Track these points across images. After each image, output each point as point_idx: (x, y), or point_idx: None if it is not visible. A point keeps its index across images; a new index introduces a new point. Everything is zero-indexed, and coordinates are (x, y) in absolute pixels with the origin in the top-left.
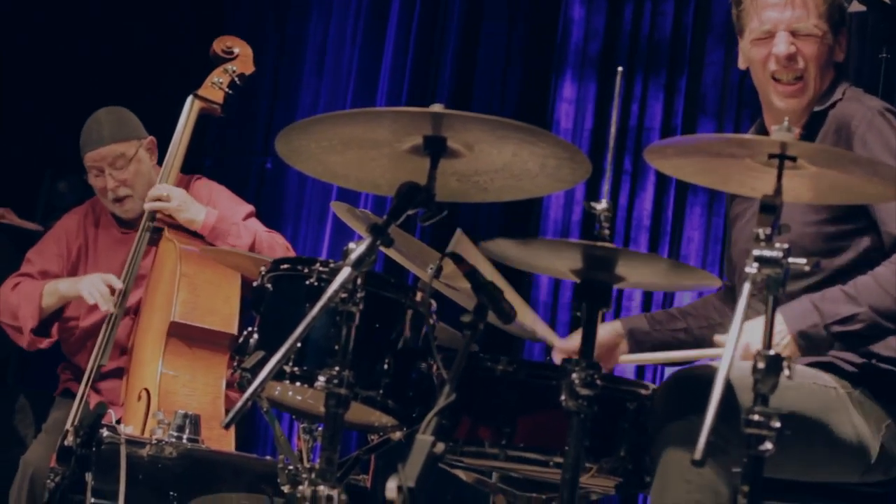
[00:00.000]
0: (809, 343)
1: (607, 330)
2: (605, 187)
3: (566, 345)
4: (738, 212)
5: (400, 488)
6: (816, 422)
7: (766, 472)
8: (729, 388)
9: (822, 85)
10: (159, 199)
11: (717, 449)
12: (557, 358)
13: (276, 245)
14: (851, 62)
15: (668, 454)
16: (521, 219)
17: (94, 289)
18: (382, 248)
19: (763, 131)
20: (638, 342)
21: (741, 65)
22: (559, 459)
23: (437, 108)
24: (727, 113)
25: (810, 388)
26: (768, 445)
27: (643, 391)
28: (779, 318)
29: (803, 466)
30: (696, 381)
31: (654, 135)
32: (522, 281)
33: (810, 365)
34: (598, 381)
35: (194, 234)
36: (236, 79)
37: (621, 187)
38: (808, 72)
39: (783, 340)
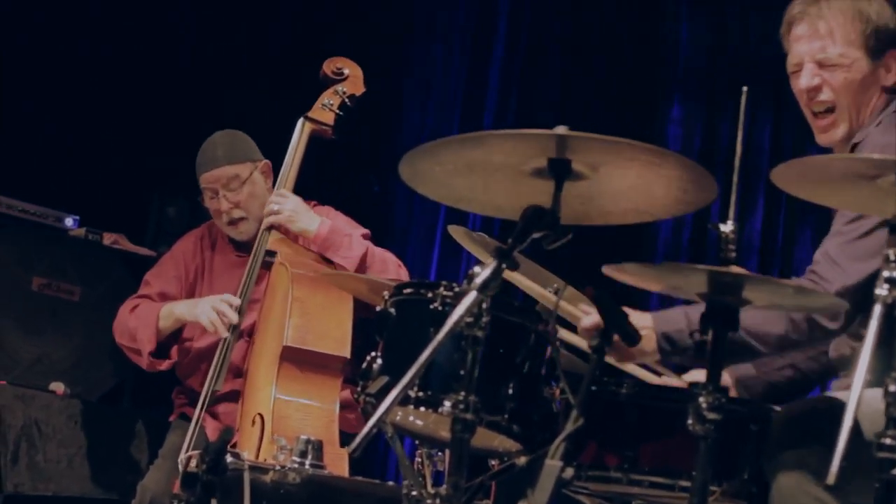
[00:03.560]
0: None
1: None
2: (730, 211)
3: (590, 323)
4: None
5: None
6: None
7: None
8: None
9: (859, 114)
10: (271, 214)
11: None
12: (586, 336)
13: (389, 261)
14: None
15: (781, 482)
16: (631, 242)
17: (211, 314)
18: (507, 273)
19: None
20: (750, 389)
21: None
22: (684, 483)
23: (561, 129)
24: None
25: None
26: None
27: (766, 412)
28: None
29: None
30: (810, 412)
31: (763, 155)
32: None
33: None
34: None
35: (308, 258)
36: (347, 100)
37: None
38: (838, 103)
39: None
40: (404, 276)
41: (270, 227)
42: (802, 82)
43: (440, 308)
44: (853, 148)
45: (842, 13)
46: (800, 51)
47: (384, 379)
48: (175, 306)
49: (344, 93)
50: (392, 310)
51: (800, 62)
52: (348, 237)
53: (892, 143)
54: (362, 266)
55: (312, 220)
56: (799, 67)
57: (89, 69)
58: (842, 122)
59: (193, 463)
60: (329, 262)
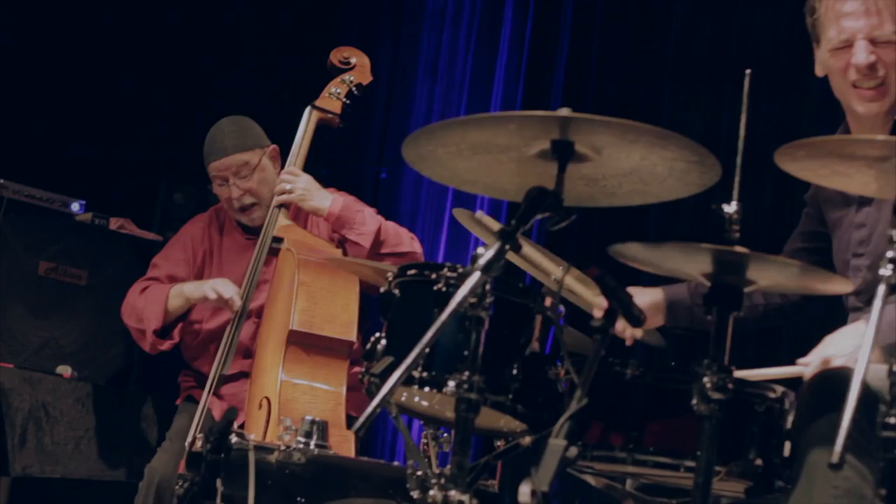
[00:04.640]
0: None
1: (648, 299)
2: (734, 192)
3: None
4: (835, 218)
5: (533, 493)
6: None
7: None
8: (870, 390)
9: None
10: (283, 192)
11: (862, 451)
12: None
13: (402, 233)
14: None
15: (812, 457)
16: (636, 225)
17: (218, 286)
18: (510, 254)
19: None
20: (675, 316)
21: (818, 72)
22: (690, 463)
23: (564, 111)
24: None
25: None
26: None
27: (772, 393)
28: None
29: None
30: (838, 381)
31: (768, 140)
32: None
33: None
34: (730, 385)
35: (314, 243)
36: (354, 89)
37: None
38: (888, 77)
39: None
40: (418, 248)
41: (281, 206)
42: (860, 58)
43: (444, 289)
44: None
45: None
46: (851, 26)
47: (388, 359)
48: (184, 286)
49: (351, 82)
50: (396, 291)
51: (850, 38)
52: (361, 213)
53: None
54: (377, 242)
55: (325, 197)
56: (847, 44)
57: (97, 54)
58: (889, 94)
59: (199, 443)
60: (338, 245)
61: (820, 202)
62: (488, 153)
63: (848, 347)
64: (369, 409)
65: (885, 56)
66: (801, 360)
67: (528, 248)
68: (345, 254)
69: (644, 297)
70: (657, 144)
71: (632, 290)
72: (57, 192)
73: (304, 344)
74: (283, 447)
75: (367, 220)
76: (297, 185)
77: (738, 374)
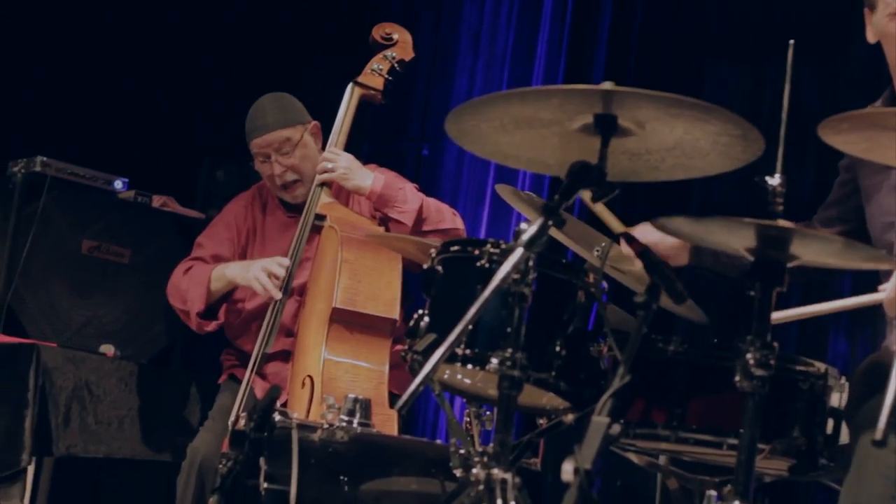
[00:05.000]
0: None
1: (670, 239)
2: (778, 164)
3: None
4: (873, 183)
5: (577, 470)
6: None
7: None
8: None
9: None
10: (325, 172)
11: None
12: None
13: (444, 210)
14: None
15: (863, 439)
16: (680, 199)
17: (263, 277)
18: (553, 230)
19: (894, 103)
20: (700, 257)
21: (870, 38)
22: (732, 441)
23: (607, 85)
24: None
25: None
26: None
27: (815, 370)
28: None
29: None
30: (890, 363)
31: (811, 114)
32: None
33: None
34: (773, 362)
35: (358, 221)
36: (396, 65)
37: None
38: None
39: None
40: (460, 224)
41: (323, 184)
42: None
43: (487, 265)
44: None
45: None
46: None
47: (431, 336)
48: (227, 268)
49: (393, 58)
50: (439, 267)
51: None
52: (402, 191)
53: None
54: (419, 219)
55: (366, 176)
56: None
57: (141, 32)
58: None
59: (242, 422)
60: (380, 223)
61: (856, 167)
62: (531, 128)
63: None
64: (412, 387)
65: None
66: (882, 287)
67: (572, 226)
68: (387, 231)
69: (666, 236)
70: (700, 118)
71: (655, 229)
72: (100, 170)
73: (347, 322)
74: (326, 425)
75: (408, 198)
76: (338, 163)
77: (813, 308)
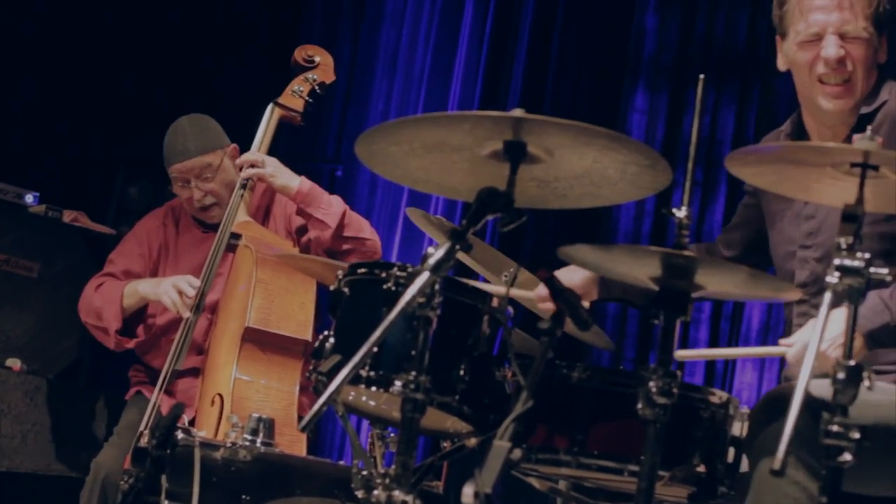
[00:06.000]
0: (875, 342)
1: (581, 274)
2: (684, 197)
3: (541, 291)
4: (777, 210)
5: (476, 494)
6: None
7: (857, 489)
8: (815, 400)
9: (867, 86)
10: (253, 165)
11: (806, 459)
12: (541, 306)
13: (364, 223)
14: None
15: (761, 467)
16: (591, 229)
17: (173, 293)
18: (460, 254)
19: (800, 129)
20: (609, 288)
21: (781, 67)
22: (633, 468)
23: (518, 112)
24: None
25: None
26: (847, 457)
27: (716, 399)
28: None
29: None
30: (789, 395)
31: (725, 147)
32: None
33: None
34: (675, 390)
35: (273, 241)
36: (317, 87)
37: (692, 199)
38: (855, 74)
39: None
40: (377, 239)
41: (245, 185)
42: (830, 52)
43: (393, 288)
44: (861, 119)
45: None
46: (820, 20)
47: (336, 358)
48: (139, 284)
49: (314, 80)
50: (346, 289)
51: (820, 32)
52: (327, 195)
53: None
54: (342, 224)
55: (293, 177)
56: (817, 37)
57: (54, 45)
58: (853, 94)
59: (144, 439)
60: (294, 244)
61: (761, 192)
62: (441, 152)
63: (836, 333)
64: (315, 407)
65: (854, 52)
66: (783, 341)
67: (480, 251)
68: (301, 247)
69: (577, 273)
70: (610, 147)
71: (564, 268)
72: (11, 183)
73: (260, 342)
74: (228, 444)
75: (333, 202)
76: (267, 160)
77: (719, 351)
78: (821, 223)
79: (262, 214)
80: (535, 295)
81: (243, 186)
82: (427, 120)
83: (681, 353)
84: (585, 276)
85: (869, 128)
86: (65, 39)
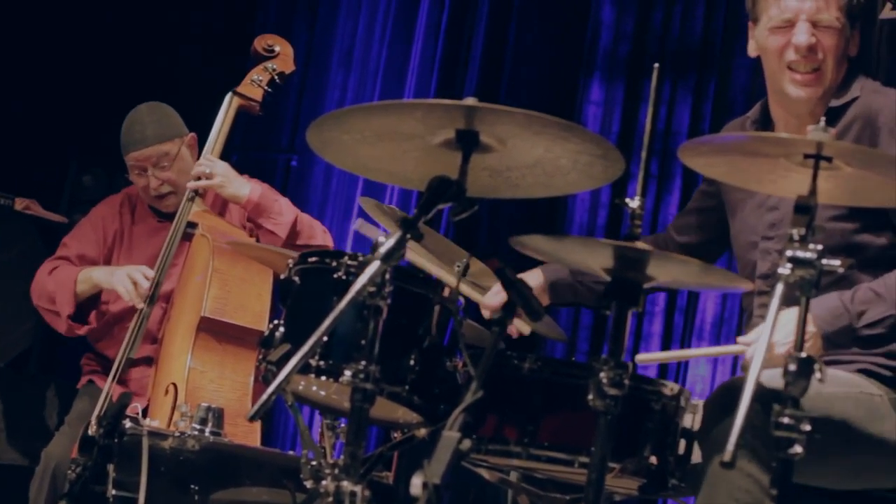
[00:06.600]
0: (833, 344)
1: (529, 281)
2: (638, 187)
3: (491, 302)
4: (738, 199)
5: (425, 485)
6: (861, 430)
7: (809, 481)
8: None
9: (836, 77)
10: (201, 178)
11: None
12: (486, 314)
13: (316, 227)
14: (882, 70)
15: (713, 460)
16: (546, 220)
17: (127, 283)
18: (411, 244)
19: (766, 117)
20: (559, 294)
21: (751, 52)
22: (584, 459)
23: (470, 101)
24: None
25: (856, 396)
26: (798, 449)
27: (667, 391)
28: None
29: (847, 474)
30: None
31: (681, 139)
32: None
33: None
34: (626, 381)
35: (229, 230)
36: (276, 77)
37: (648, 190)
38: (825, 63)
39: (808, 340)
40: (330, 241)
41: (196, 193)
42: (801, 39)
43: (344, 277)
44: (831, 111)
45: None
46: (793, 6)
47: (286, 347)
48: (93, 271)
49: (274, 70)
50: (296, 278)
51: (792, 18)
52: (277, 203)
53: None
54: (293, 233)
55: (243, 185)
56: (789, 24)
57: (7, 32)
58: (822, 84)
59: (93, 428)
60: (251, 233)
61: (720, 181)
62: (393, 141)
63: (791, 333)
64: (264, 397)
65: (825, 41)
66: (741, 339)
67: (432, 240)
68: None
69: (529, 280)
70: (561, 137)
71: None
72: None
73: (215, 331)
74: (177, 434)
75: (283, 211)
76: (216, 171)
77: (679, 353)
78: (784, 214)
79: (220, 205)
80: (485, 303)
81: (191, 199)
82: (379, 108)
83: (641, 357)
84: (536, 283)
85: (823, 119)
86: (18, 25)
